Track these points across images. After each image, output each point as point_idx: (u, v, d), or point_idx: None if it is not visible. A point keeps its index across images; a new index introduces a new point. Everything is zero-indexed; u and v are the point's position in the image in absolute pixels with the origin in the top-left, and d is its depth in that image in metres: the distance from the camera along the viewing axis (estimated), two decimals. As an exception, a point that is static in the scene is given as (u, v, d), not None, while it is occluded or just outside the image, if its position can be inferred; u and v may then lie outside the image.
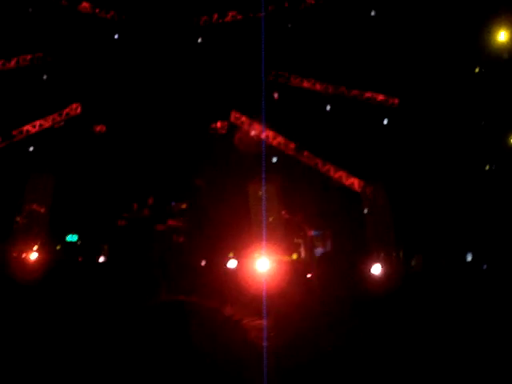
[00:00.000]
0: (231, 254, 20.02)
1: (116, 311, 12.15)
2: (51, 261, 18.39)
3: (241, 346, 9.41)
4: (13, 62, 20.42)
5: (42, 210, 20.83)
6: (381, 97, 21.48)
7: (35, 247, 19.07)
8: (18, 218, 20.16)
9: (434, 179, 18.81)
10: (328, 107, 20.65)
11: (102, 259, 18.87)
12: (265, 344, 9.32)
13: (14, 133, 20.73)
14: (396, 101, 21.18)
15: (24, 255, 18.27)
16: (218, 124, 21.96)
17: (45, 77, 19.83)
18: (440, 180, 18.81)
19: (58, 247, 19.73)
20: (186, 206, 20.73)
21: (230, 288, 16.17)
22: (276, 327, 10.55)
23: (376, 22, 20.58)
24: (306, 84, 21.61)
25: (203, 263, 18.96)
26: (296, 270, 18.32)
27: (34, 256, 18.13)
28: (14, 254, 18.47)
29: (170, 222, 20.39)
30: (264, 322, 10.91)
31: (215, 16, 21.07)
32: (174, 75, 20.35)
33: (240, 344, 9.57)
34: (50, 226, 20.45)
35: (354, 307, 13.24)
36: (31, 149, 20.21)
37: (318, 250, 20.27)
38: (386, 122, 20.58)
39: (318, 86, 21.62)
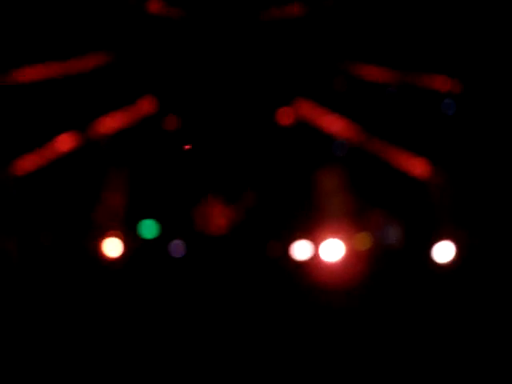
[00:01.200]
0: (301, 241, 20.32)
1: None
2: (127, 255, 18.97)
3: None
4: (81, 62, 20.94)
5: (119, 203, 21.42)
6: (444, 81, 21.45)
7: (113, 239, 19.65)
8: (95, 211, 20.77)
9: (501, 167, 18.81)
10: (394, 94, 20.73)
11: (178, 253, 19.35)
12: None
13: (88, 131, 21.33)
14: (459, 86, 21.14)
15: (101, 250, 18.86)
16: (284, 113, 22.20)
17: (117, 76, 20.34)
18: (506, 168, 18.80)
19: (135, 239, 20.31)
20: (257, 194, 21.11)
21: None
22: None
23: (441, 5, 20.52)
24: (369, 71, 21.66)
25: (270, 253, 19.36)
26: (367, 259, 18.47)
27: (112, 252, 18.73)
28: (92, 250, 19.07)
29: (242, 210, 20.82)
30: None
31: (282, 9, 21.27)
32: (240, 67, 20.68)
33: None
34: (126, 221, 21.03)
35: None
36: (106, 145, 20.79)
37: (388, 237, 20.46)
38: (452, 107, 20.60)
39: (381, 73, 21.65)
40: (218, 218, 20.38)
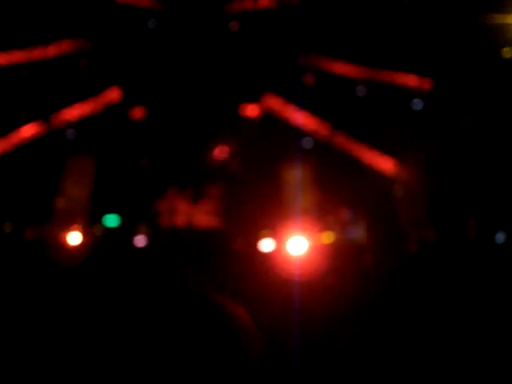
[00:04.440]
0: (265, 235, 20.32)
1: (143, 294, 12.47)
2: (91, 245, 18.84)
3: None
4: (52, 49, 20.81)
5: (82, 194, 21.30)
6: (413, 78, 21.57)
7: (76, 230, 19.52)
8: (58, 203, 20.63)
9: (468, 162, 18.96)
10: (361, 90, 20.80)
11: (141, 243, 19.32)
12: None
13: (54, 118, 21.18)
14: (429, 82, 21.26)
15: (64, 240, 18.73)
16: (251, 107, 22.23)
17: (83, 63, 20.24)
18: (474, 163, 18.95)
19: (98, 229, 20.21)
20: (221, 188, 21.10)
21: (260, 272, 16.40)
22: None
23: (409, 2, 20.62)
24: (337, 66, 21.75)
25: (237, 246, 19.33)
26: (331, 252, 18.53)
27: (74, 240, 18.58)
28: (54, 239, 18.93)
29: (207, 203, 20.78)
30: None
31: (249, 2, 21.30)
32: (209, 60, 20.67)
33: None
34: (90, 210, 20.95)
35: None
36: (71, 133, 20.69)
37: (352, 232, 20.54)
38: (419, 104, 20.72)
39: (349, 69, 21.74)
40: (181, 210, 20.26)
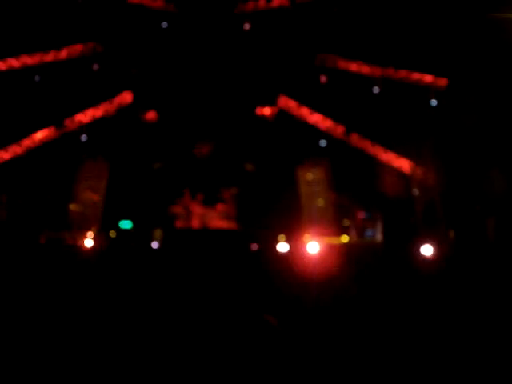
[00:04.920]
0: (282, 238, 20.19)
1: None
2: (106, 248, 18.75)
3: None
4: (64, 53, 20.78)
5: (96, 198, 21.24)
6: (429, 77, 21.39)
7: (90, 234, 19.44)
8: (72, 206, 20.57)
9: (483, 161, 18.72)
10: (376, 89, 20.63)
11: (155, 245, 19.19)
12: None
13: (67, 122, 21.13)
14: (444, 81, 21.09)
15: (79, 243, 18.65)
16: (266, 109, 22.10)
17: (96, 66, 20.16)
18: (489, 162, 18.71)
19: (113, 234, 20.09)
20: (236, 191, 20.96)
21: (281, 272, 16.30)
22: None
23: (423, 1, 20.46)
24: (352, 67, 21.61)
25: (255, 248, 19.16)
26: (348, 254, 18.39)
27: (89, 243, 18.50)
28: (69, 242, 18.85)
29: (221, 206, 20.65)
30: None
31: (262, 2, 21.19)
32: (222, 62, 20.53)
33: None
34: (104, 213, 20.86)
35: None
36: (84, 138, 20.61)
37: (369, 233, 20.36)
38: (434, 103, 20.52)
39: (365, 69, 21.60)
40: (195, 213, 20.13)
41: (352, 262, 17.47)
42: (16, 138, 20.47)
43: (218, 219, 20.48)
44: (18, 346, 8.74)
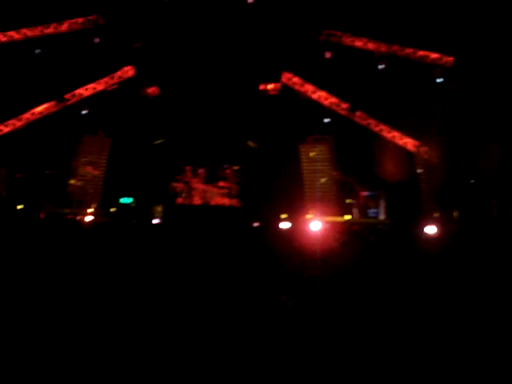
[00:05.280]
0: (284, 216, 20.01)
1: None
2: (106, 223, 18.55)
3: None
4: (65, 26, 20.49)
5: (97, 172, 21.02)
6: (435, 55, 21.12)
7: (90, 210, 19.23)
8: (73, 181, 20.36)
9: (489, 138, 18.47)
10: (381, 66, 20.37)
11: (156, 221, 18.99)
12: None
13: (68, 96, 20.88)
14: (450, 59, 20.82)
15: (79, 218, 18.45)
16: (270, 85, 21.85)
17: (97, 40, 19.87)
18: (495, 139, 18.45)
19: (113, 209, 19.89)
20: (238, 167, 20.73)
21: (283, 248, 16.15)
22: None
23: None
24: (358, 43, 21.32)
25: (256, 225, 18.98)
26: (351, 232, 18.23)
27: (89, 219, 18.29)
28: (69, 217, 18.66)
29: (222, 184, 20.43)
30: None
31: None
32: (226, 37, 20.24)
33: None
34: (105, 189, 20.66)
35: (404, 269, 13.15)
36: (85, 112, 20.36)
37: (371, 211, 20.15)
38: (439, 80, 20.27)
39: (370, 45, 21.31)
40: (197, 189, 19.90)
41: (354, 241, 17.31)
42: (16, 112, 20.25)
43: (219, 196, 20.27)
44: (18, 321, 8.62)
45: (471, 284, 11.77)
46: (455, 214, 19.85)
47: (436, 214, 20.07)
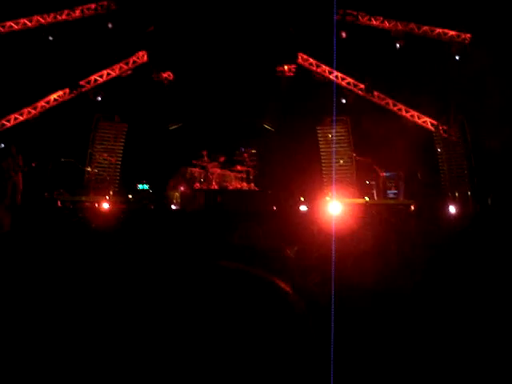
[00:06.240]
0: (302, 198, 19.82)
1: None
2: (124, 210, 18.43)
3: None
4: (78, 12, 20.34)
5: (113, 160, 20.92)
6: (452, 32, 20.81)
7: (107, 197, 19.15)
8: (89, 168, 20.27)
9: (508, 116, 18.15)
10: (398, 45, 20.09)
11: (174, 207, 18.86)
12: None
13: (82, 83, 20.75)
14: (468, 36, 20.51)
15: (96, 205, 18.36)
16: (286, 66, 21.64)
17: (110, 25, 19.70)
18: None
19: (130, 196, 19.79)
20: (255, 150, 20.53)
21: (301, 232, 15.93)
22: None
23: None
24: (374, 22, 21.04)
25: (274, 208, 18.78)
26: (370, 213, 17.99)
27: (106, 206, 18.19)
28: (86, 204, 18.57)
29: (239, 168, 20.23)
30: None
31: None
32: (240, 19, 20.01)
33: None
34: (122, 175, 20.56)
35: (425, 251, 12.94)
36: (100, 98, 20.23)
37: (391, 192, 19.92)
38: (457, 57, 19.97)
39: (386, 24, 21.03)
40: (214, 173, 19.71)
41: (374, 222, 17.11)
42: (31, 100, 20.16)
43: (237, 180, 20.08)
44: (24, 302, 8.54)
45: (496, 265, 11.57)
46: (475, 193, 19.62)
47: (456, 193, 19.85)
